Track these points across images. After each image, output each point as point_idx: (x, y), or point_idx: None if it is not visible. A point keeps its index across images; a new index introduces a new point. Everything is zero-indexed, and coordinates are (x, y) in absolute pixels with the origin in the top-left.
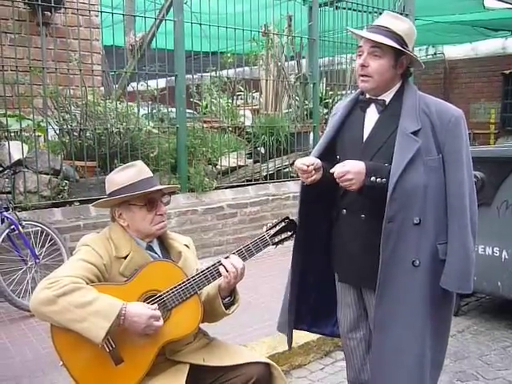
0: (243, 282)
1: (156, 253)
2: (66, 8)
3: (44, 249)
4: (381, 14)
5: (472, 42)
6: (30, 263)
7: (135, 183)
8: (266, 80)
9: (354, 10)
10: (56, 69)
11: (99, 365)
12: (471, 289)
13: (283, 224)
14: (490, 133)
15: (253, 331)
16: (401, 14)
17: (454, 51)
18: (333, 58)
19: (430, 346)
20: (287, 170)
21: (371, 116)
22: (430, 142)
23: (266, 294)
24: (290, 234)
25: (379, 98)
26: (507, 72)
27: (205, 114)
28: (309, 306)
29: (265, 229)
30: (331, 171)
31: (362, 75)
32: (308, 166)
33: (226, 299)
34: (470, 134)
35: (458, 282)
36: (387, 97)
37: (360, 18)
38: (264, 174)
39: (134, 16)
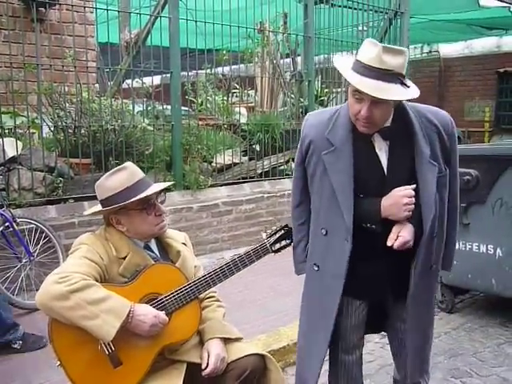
0: (238, 280)
1: (154, 252)
2: (60, 4)
3: (38, 246)
4: (376, 11)
5: (467, 40)
6: (24, 260)
7: (130, 187)
8: (262, 77)
9: (349, 7)
10: (50, 65)
11: (98, 367)
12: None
13: (282, 232)
14: (484, 131)
15: (248, 328)
16: (396, 12)
17: (449, 49)
18: (328, 56)
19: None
20: (282, 167)
21: (380, 146)
22: (439, 158)
23: (261, 291)
24: (288, 241)
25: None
26: (502, 70)
27: (200, 111)
28: None
29: (264, 236)
30: (388, 244)
31: (364, 122)
32: None
33: None
34: (464, 132)
35: (452, 262)
36: (388, 122)
37: (355, 15)
38: (259, 171)
39: (129, 12)
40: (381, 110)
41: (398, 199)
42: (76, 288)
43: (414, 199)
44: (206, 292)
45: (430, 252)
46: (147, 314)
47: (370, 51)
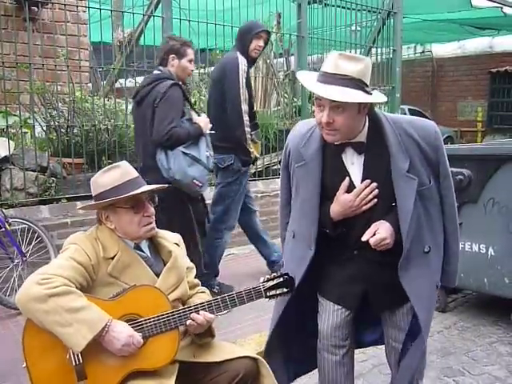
0: (231, 279)
1: (144, 252)
2: (53, 3)
3: (31, 246)
4: (369, 11)
5: (460, 40)
6: (16, 261)
7: (120, 185)
8: (255, 77)
9: (342, 7)
10: (43, 65)
11: (61, 377)
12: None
13: (281, 279)
14: (477, 131)
15: (241, 328)
16: (389, 12)
17: (442, 49)
18: (321, 56)
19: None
20: (276, 167)
21: (352, 159)
22: (421, 171)
23: None
24: (285, 290)
25: (353, 140)
26: (494, 70)
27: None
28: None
29: (261, 280)
30: (363, 239)
31: (328, 130)
32: None
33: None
34: (457, 131)
35: (455, 279)
36: (362, 137)
37: (349, 15)
38: (253, 171)
39: (122, 12)
40: (342, 116)
41: (343, 202)
42: (55, 292)
43: (365, 195)
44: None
45: (427, 269)
46: (122, 331)
47: (329, 59)
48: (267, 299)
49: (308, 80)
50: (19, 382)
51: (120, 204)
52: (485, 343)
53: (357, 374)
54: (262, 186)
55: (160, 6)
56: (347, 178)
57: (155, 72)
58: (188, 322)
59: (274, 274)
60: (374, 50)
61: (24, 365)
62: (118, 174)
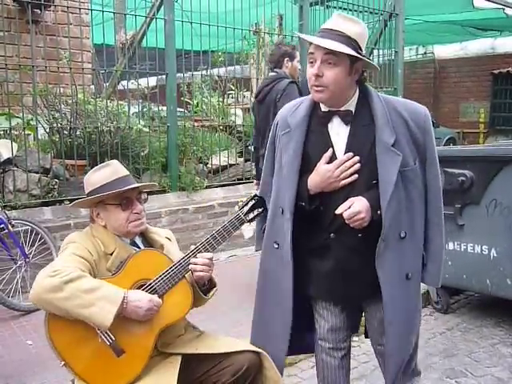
0: (234, 280)
1: (140, 248)
2: (55, 6)
3: (34, 248)
4: (371, 13)
5: (462, 41)
6: (19, 262)
7: (110, 183)
8: (257, 79)
9: (344, 8)
10: (46, 67)
11: (102, 359)
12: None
13: (253, 202)
14: (479, 132)
15: (244, 330)
16: (391, 13)
17: (444, 51)
18: None
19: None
20: None
21: (338, 130)
22: (406, 150)
23: None
24: (260, 210)
25: (342, 109)
26: (496, 72)
27: (196, 112)
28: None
29: (237, 208)
30: (337, 212)
31: (317, 85)
32: None
33: (203, 287)
34: (459, 133)
35: (439, 279)
36: (351, 106)
37: None
38: (255, 172)
39: (125, 14)
40: (332, 72)
41: (323, 172)
42: (69, 279)
43: (346, 167)
44: None
45: (400, 256)
46: (142, 299)
47: (329, 20)
48: (249, 223)
49: (308, 36)
50: (21, 382)
51: (109, 201)
52: (487, 344)
53: (359, 375)
54: None
55: (162, 8)
56: (330, 149)
57: (272, 74)
58: (190, 266)
59: (246, 198)
60: (375, 52)
61: (62, 364)
62: (109, 172)
